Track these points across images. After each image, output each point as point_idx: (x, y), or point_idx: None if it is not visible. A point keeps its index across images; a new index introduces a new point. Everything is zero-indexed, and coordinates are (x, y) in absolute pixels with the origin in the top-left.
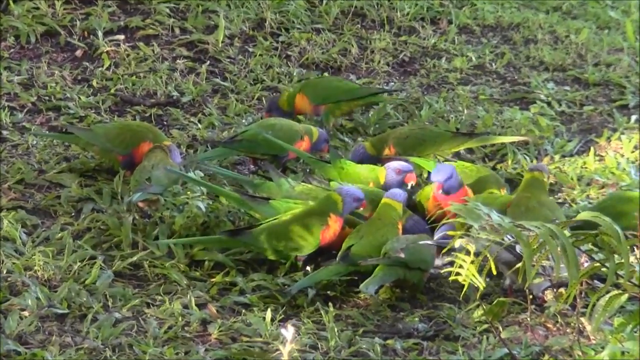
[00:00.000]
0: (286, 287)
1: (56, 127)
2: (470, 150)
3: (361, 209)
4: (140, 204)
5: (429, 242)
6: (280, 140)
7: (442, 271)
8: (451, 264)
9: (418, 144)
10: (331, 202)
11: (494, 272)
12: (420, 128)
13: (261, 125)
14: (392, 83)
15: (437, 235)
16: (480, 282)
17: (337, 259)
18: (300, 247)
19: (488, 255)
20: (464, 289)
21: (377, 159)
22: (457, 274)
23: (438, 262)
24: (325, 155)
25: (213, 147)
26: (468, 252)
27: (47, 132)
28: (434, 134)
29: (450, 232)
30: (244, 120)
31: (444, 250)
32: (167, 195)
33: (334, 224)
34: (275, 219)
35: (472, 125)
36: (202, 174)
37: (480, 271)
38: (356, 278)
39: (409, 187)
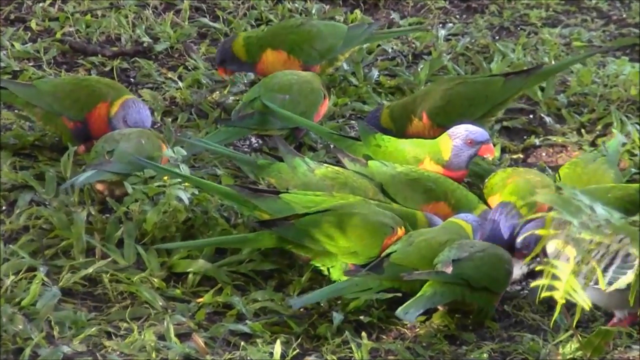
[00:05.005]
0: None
1: None
2: (559, 119)
3: None
4: (99, 187)
5: None
6: (302, 105)
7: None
8: (532, 276)
9: (466, 106)
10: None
11: (602, 288)
12: (458, 83)
13: (272, 89)
14: (450, 24)
15: (520, 236)
16: (586, 301)
17: (367, 268)
18: (358, 253)
19: (594, 265)
20: (556, 312)
21: (393, 135)
22: (551, 288)
23: (517, 272)
24: None
25: (199, 115)
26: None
27: None
28: (479, 85)
29: (540, 231)
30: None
31: (527, 259)
32: (134, 182)
33: (401, 233)
34: (328, 209)
35: (562, 82)
36: (185, 153)
37: None
38: (400, 295)
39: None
